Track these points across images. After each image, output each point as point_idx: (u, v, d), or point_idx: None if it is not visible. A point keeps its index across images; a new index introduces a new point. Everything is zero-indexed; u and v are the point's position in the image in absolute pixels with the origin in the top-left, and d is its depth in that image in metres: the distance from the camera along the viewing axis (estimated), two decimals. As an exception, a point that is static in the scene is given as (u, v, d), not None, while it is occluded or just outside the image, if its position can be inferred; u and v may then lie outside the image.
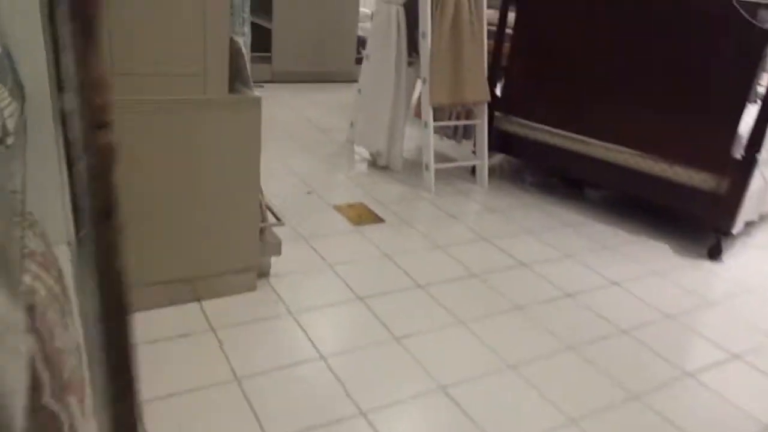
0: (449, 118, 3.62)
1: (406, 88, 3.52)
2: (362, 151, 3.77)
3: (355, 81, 4.73)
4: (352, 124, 4.04)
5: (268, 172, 3.40)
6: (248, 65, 1.98)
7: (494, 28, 3.53)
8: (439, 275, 2.47)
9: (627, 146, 3.04)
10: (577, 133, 3.20)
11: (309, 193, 3.17)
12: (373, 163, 3.65)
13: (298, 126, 4.37)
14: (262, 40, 5.82)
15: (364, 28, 6.17)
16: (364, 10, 6.15)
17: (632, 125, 3.02)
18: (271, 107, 4.99)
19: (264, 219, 2.24)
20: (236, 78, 1.94)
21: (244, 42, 1.93)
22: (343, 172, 3.53)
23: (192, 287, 2.10)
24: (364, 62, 3.75)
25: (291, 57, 5.70)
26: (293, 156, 3.71)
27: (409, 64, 3.65)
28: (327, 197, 3.13)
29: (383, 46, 3.39)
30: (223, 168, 1.95)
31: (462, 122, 3.59)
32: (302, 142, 4.00)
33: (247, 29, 1.93)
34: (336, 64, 5.94)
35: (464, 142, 3.86)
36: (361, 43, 5.99)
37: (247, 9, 1.90)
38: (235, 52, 1.85)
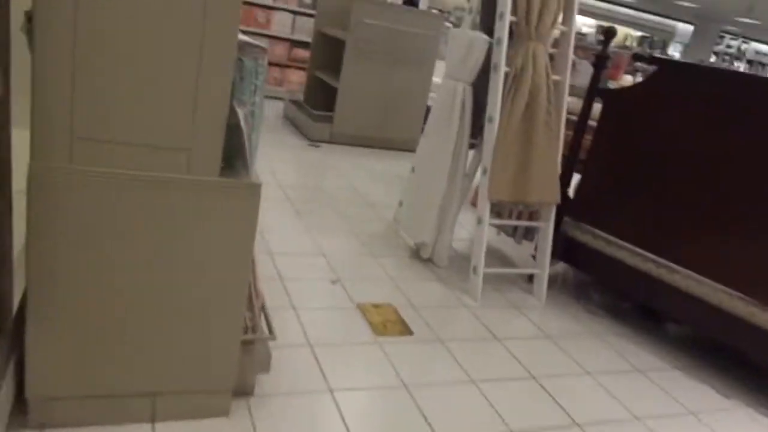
0: (509, 216, 3.13)
1: (464, 174, 3.07)
2: (407, 236, 3.32)
3: (417, 153, 4.35)
4: (401, 203, 3.62)
5: (294, 247, 3.05)
6: (253, 141, 1.59)
7: (575, 118, 3.06)
8: (467, 426, 1.94)
9: (725, 284, 2.45)
10: (663, 257, 2.63)
11: (334, 282, 2.73)
12: (416, 253, 3.19)
13: (343, 195, 3.99)
14: (326, 99, 5.58)
15: (434, 98, 5.84)
16: (437, 80, 5.84)
17: (734, 260, 2.43)
18: (319, 170, 4.69)
19: (255, 326, 1.80)
20: (236, 157, 1.55)
21: (251, 113, 1.54)
22: (380, 261, 3.07)
23: (150, 404, 1.67)
24: (422, 139, 3.35)
25: (354, 119, 5.40)
26: (328, 231, 3.30)
27: (472, 146, 3.23)
28: (353, 290, 2.68)
29: (444, 125, 2.97)
30: (203, 265, 1.54)
31: (523, 223, 3.09)
32: (343, 216, 3.60)
33: (258, 99, 1.54)
34: (400, 132, 5.60)
35: (524, 242, 3.34)
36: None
37: (262, 77, 1.52)
38: (234, 126, 1.46)
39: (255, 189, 1.52)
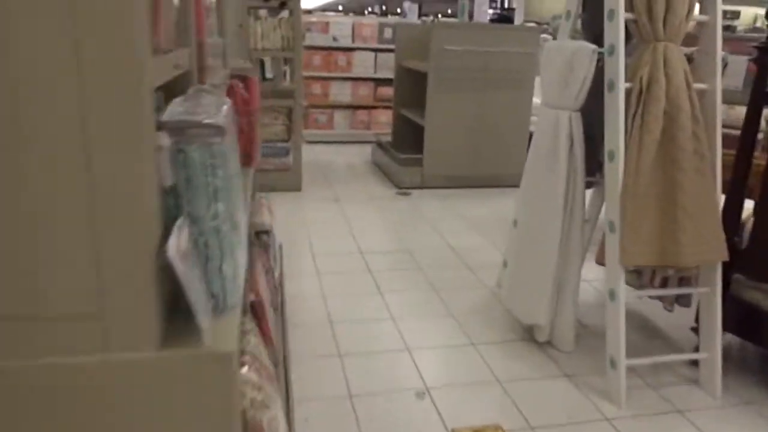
0: (651, 281, 2.31)
1: (582, 223, 2.31)
2: (515, 313, 2.59)
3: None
4: (505, 264, 2.90)
5: (369, 342, 2.40)
6: (225, 274, 0.99)
7: (735, 132, 2.22)
8: None
9: None
10: None
11: (420, 396, 2.06)
12: (530, 333, 2.45)
13: (435, 257, 3.33)
14: (414, 138, 4.99)
15: (535, 128, 5.05)
16: (538, 101, 5.06)
17: None
18: (407, 225, 3.95)
19: None
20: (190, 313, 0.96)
21: (214, 232, 0.95)
22: (483, 351, 2.37)
23: None
24: (523, 184, 2.63)
25: (445, 158, 4.76)
26: (415, 313, 2.66)
27: (589, 185, 2.47)
28: (447, 405, 2.00)
29: (548, 168, 2.25)
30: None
31: (674, 291, 2.26)
32: (435, 286, 2.94)
33: (225, 206, 0.95)
34: (500, 166, 4.87)
35: (678, 307, 2.48)
36: (534, 140, 4.87)
37: (224, 170, 0.93)
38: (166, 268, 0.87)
39: (224, 361, 0.91)
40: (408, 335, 2.46)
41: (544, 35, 5.80)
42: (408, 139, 5.34)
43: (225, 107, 1.08)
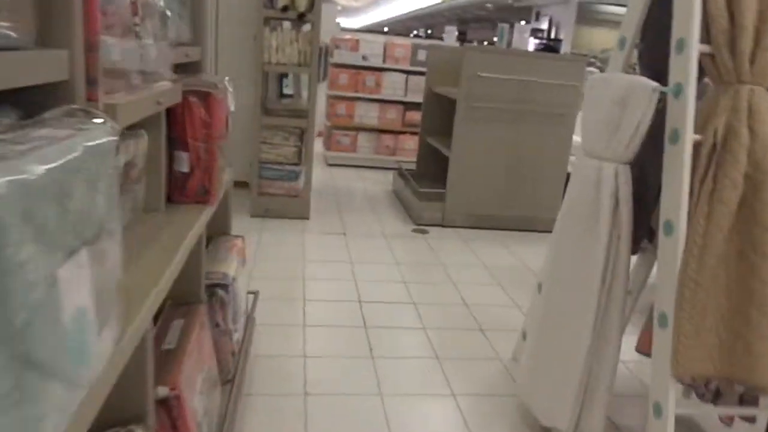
0: (703, 394, 1.80)
1: (620, 306, 1.82)
2: (530, 407, 2.10)
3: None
4: (524, 336, 2.43)
5: (348, 418, 1.94)
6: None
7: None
8: None
9: None
10: None
11: None
12: (548, 432, 1.96)
13: (446, 314, 2.86)
14: (439, 170, 4.55)
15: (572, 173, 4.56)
16: (580, 140, 4.57)
17: None
18: (419, 272, 3.42)
19: None
20: None
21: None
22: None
23: None
24: (554, 240, 2.16)
25: (470, 194, 4.30)
26: (411, 385, 2.19)
27: (636, 251, 1.99)
28: None
29: (584, 229, 1.78)
30: None
31: (738, 411, 1.76)
32: (440, 351, 2.47)
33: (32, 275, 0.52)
34: (531, 208, 4.38)
35: (739, 420, 1.96)
36: (571, 182, 4.37)
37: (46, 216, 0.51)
38: None
39: None
40: (396, 421, 1.99)
41: (590, 68, 5.32)
42: (432, 170, 4.91)
43: (62, 150, 0.67)
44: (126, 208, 1.40)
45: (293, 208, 4.16)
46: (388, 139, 6.22)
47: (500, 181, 4.30)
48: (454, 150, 4.22)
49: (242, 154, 4.38)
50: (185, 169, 1.65)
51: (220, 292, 1.74)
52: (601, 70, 6.27)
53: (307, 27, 4.13)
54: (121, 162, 1.28)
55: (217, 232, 2.16)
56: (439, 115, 5.02)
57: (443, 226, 4.28)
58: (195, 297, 1.63)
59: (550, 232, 4.30)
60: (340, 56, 6.04)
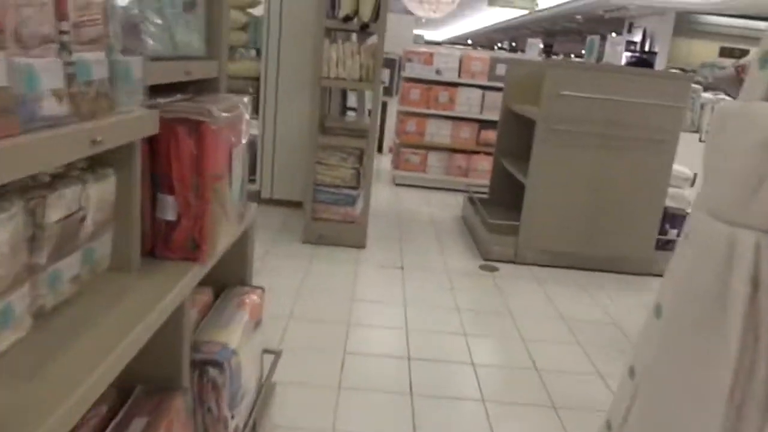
0: None
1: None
2: None
3: (654, 275, 2.69)
4: (608, 426, 1.91)
5: None
6: None
7: None
8: None
9: None
10: None
11: None
12: None
13: (508, 380, 2.39)
14: (513, 199, 4.07)
15: (676, 196, 3.93)
16: (681, 169, 3.93)
17: None
18: (482, 323, 2.94)
19: None
20: None
21: None
22: None
23: None
24: (650, 328, 1.65)
25: (551, 228, 3.78)
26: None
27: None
28: None
29: (701, 324, 1.27)
30: None
31: None
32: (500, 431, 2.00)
33: None
34: (623, 247, 3.80)
35: None
36: (670, 218, 3.77)
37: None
38: None
39: None
40: None
41: (695, 85, 4.65)
42: (506, 198, 4.41)
43: None
44: (75, 271, 1.06)
45: (349, 235, 3.79)
46: (460, 159, 5.77)
47: (583, 214, 3.75)
48: (532, 177, 3.72)
49: (298, 175, 4.06)
50: (171, 216, 1.29)
51: (212, 371, 1.37)
52: (704, 85, 5.54)
53: (373, 39, 3.78)
54: (51, 219, 0.93)
55: (233, 281, 1.81)
56: (516, 135, 4.52)
57: (515, 263, 3.78)
58: (172, 382, 1.27)
59: (640, 275, 3.74)
60: (412, 70, 5.67)
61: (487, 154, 5.68)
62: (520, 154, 4.19)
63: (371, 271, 3.44)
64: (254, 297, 1.74)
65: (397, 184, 5.85)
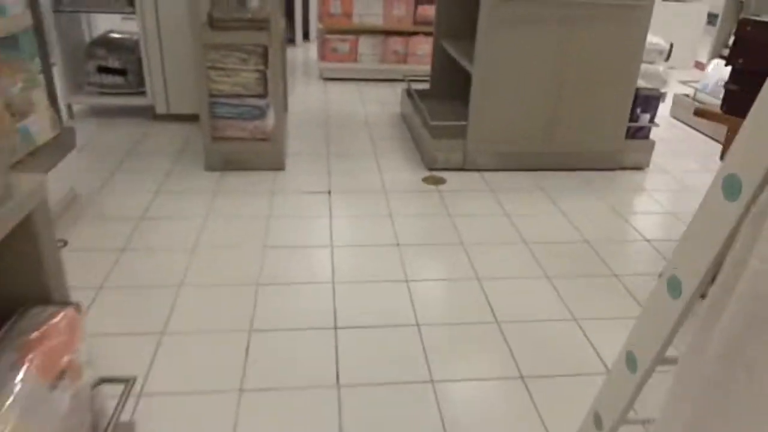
0: None
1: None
2: None
3: (625, 168, 2.82)
4: (599, 424, 1.42)
5: None
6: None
7: None
8: None
9: None
10: None
11: None
12: None
13: (472, 336, 1.87)
14: (459, 89, 3.39)
15: (649, 74, 3.32)
16: (656, 40, 3.27)
17: None
18: (426, 255, 2.38)
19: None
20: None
21: None
22: None
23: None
24: (678, 389, 1.08)
25: (505, 125, 3.16)
26: None
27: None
28: None
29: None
30: None
31: None
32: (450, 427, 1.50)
33: None
34: (590, 139, 3.23)
35: None
36: (642, 101, 3.18)
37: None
38: None
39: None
40: None
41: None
42: (451, 89, 3.73)
43: None
44: None
45: (262, 156, 3.09)
46: (396, 43, 4.95)
47: (542, 104, 3.12)
48: (478, 63, 3.02)
49: (190, 84, 3.26)
50: None
51: None
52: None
53: None
54: None
55: (28, 298, 1.15)
56: (459, 10, 3.75)
57: (465, 169, 3.18)
58: None
59: (610, 170, 3.21)
60: (328, -65, 4.67)
61: (427, 34, 4.89)
62: (464, 34, 3.45)
63: (291, 202, 2.79)
64: (56, 326, 1.09)
65: (326, 79, 5.04)
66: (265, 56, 2.95)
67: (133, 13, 3.51)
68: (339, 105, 4.35)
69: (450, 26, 3.84)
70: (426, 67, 4.74)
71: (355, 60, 4.97)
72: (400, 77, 4.88)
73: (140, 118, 3.78)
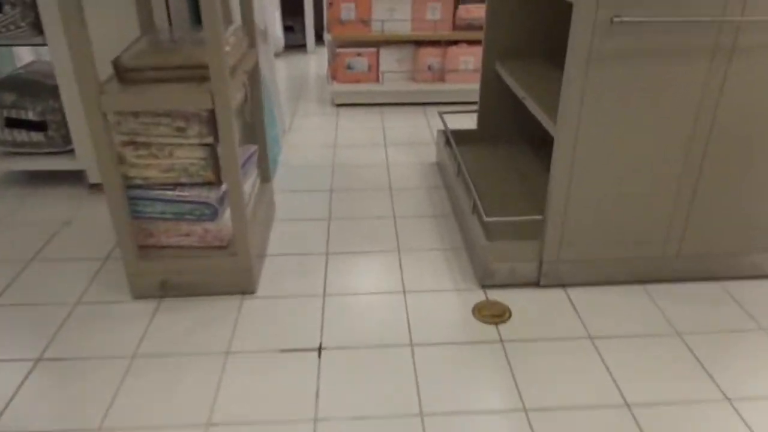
0: None
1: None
2: None
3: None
4: None
5: None
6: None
7: None
8: None
9: None
10: None
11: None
12: None
13: None
14: (511, 132, 2.18)
15: None
16: None
17: None
18: None
19: None
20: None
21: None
22: None
23: None
24: None
25: (607, 217, 1.93)
26: None
27: None
28: None
29: None
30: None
31: None
32: None
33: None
34: (745, 239, 1.98)
35: None
36: None
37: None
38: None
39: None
40: None
41: None
42: (512, 129, 2.53)
43: None
44: None
45: (218, 274, 1.96)
46: (429, 56, 3.74)
47: (672, 182, 1.88)
48: (566, 121, 1.79)
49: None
50: None
51: None
52: None
53: None
54: None
55: None
56: (522, 20, 2.53)
57: (541, 285, 1.99)
58: None
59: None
60: None
61: (471, 43, 3.67)
62: (531, 52, 2.24)
63: (254, 368, 1.64)
64: None
65: (339, 105, 3.87)
66: (213, 122, 1.80)
67: (44, 44, 2.41)
68: (352, 150, 3.18)
69: (509, 41, 2.62)
70: (471, 87, 3.55)
71: (376, 80, 3.78)
72: (435, 100, 3.70)
73: (71, 189, 2.70)
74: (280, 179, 2.82)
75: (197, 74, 1.76)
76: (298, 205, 2.57)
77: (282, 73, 4.69)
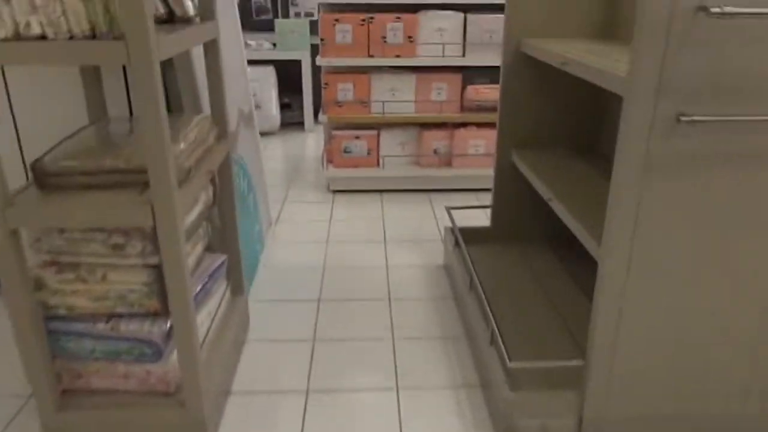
0: None
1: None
2: None
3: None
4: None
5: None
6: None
7: None
8: None
9: None
10: None
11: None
12: None
13: None
14: (531, 230, 1.73)
15: None
16: None
17: None
18: None
19: None
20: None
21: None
22: None
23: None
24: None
25: (665, 364, 1.48)
26: None
27: None
28: None
29: None
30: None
31: None
32: None
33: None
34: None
35: None
36: None
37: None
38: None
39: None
40: None
41: None
42: (532, 226, 2.13)
43: None
44: None
45: (161, 428, 1.51)
46: (435, 139, 3.40)
47: (754, 318, 1.45)
48: (614, 242, 1.38)
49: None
50: None
51: None
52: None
53: None
54: None
55: None
56: (542, 105, 2.18)
57: None
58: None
59: None
60: (334, -10, 3.23)
61: (481, 125, 3.34)
62: (554, 141, 1.87)
63: None
64: None
65: (335, 191, 3.51)
66: (153, 237, 1.40)
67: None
68: (347, 247, 2.78)
69: (527, 127, 2.26)
70: (481, 172, 3.20)
71: (376, 164, 3.43)
72: (441, 186, 3.34)
73: None
74: (259, 284, 2.41)
75: (140, 179, 1.38)
76: (278, 321, 2.14)
77: (276, 152, 4.37)
